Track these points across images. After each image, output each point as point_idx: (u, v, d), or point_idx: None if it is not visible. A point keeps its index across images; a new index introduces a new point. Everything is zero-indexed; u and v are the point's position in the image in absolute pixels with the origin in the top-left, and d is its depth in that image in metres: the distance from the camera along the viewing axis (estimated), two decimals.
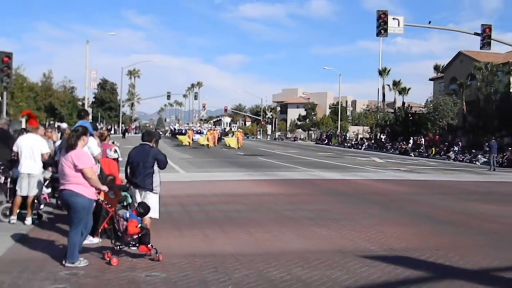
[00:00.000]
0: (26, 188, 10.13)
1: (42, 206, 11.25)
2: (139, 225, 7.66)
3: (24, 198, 10.21)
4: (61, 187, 7.50)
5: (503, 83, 49.71)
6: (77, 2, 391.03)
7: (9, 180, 10.67)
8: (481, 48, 28.45)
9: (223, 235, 9.83)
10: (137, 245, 7.67)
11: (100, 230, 8.60)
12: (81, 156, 7.37)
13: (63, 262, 7.29)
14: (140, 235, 7.61)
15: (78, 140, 7.49)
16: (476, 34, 27.99)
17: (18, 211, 10.28)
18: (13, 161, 10.53)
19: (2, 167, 10.78)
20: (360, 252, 8.58)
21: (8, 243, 8.57)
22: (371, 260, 8.05)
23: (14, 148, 10.31)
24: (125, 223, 7.60)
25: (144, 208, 7.99)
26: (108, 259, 7.44)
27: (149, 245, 7.68)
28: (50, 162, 11.06)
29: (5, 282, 6.44)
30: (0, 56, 23.16)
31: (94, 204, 7.80)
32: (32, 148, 10.25)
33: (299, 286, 6.64)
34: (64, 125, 15.01)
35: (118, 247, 7.69)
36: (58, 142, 12.56)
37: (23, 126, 12.40)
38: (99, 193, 7.86)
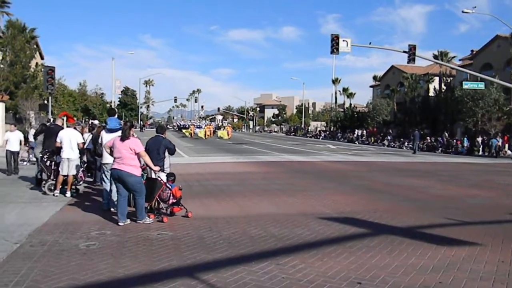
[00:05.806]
0: (66, 169, 10.08)
1: (81, 183, 11.10)
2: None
3: (65, 177, 10.12)
4: (115, 167, 7.41)
5: (423, 89, 50.42)
6: (106, 29, 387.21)
7: (53, 163, 10.54)
8: (408, 62, 28.48)
9: (216, 203, 9.76)
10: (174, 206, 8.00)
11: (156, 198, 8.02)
12: (136, 143, 7.48)
13: (136, 221, 7.36)
14: (177, 199, 7.96)
15: (130, 131, 7.54)
16: (404, 52, 28.03)
17: (60, 186, 10.19)
18: (58, 149, 10.35)
19: (48, 154, 10.63)
20: (318, 215, 8.58)
21: (52, 211, 8.43)
22: (326, 221, 8.05)
23: (58, 140, 10.15)
24: (169, 191, 7.84)
25: (173, 175, 8.39)
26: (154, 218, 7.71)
27: (180, 206, 8.02)
28: (84, 150, 10.90)
29: (49, 240, 6.30)
30: (45, 69, 22.91)
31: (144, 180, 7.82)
32: (70, 139, 10.12)
33: (272, 241, 6.59)
34: (96, 122, 14.73)
35: (159, 209, 7.98)
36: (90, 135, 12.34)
37: (64, 124, 12.20)
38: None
